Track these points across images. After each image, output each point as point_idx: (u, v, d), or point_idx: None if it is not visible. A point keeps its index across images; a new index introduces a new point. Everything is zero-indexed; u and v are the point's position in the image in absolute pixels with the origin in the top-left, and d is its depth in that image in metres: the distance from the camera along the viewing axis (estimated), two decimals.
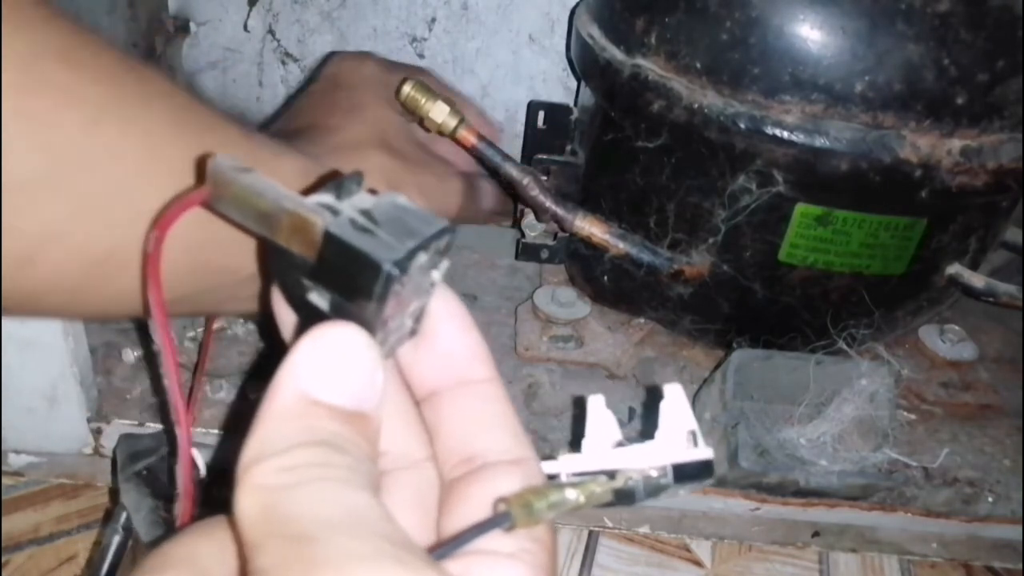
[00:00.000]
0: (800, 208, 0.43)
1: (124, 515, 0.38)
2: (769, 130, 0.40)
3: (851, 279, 0.45)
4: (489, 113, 0.65)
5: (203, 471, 0.36)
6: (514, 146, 0.63)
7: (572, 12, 0.52)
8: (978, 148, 0.41)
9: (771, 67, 0.40)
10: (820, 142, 0.40)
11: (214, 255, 0.31)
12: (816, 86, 0.40)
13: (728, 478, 0.43)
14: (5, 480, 0.46)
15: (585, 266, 0.52)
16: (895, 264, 0.45)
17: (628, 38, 0.45)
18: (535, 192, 0.48)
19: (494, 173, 0.49)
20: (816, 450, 0.42)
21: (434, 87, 0.46)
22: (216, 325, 0.49)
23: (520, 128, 0.63)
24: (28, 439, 0.45)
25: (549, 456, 0.23)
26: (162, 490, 0.39)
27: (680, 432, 0.23)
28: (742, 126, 0.41)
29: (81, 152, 0.27)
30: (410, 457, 0.24)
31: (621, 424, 0.24)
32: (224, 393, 0.46)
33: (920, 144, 0.40)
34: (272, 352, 0.47)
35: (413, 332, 0.23)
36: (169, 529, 0.37)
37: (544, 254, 0.54)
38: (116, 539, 0.38)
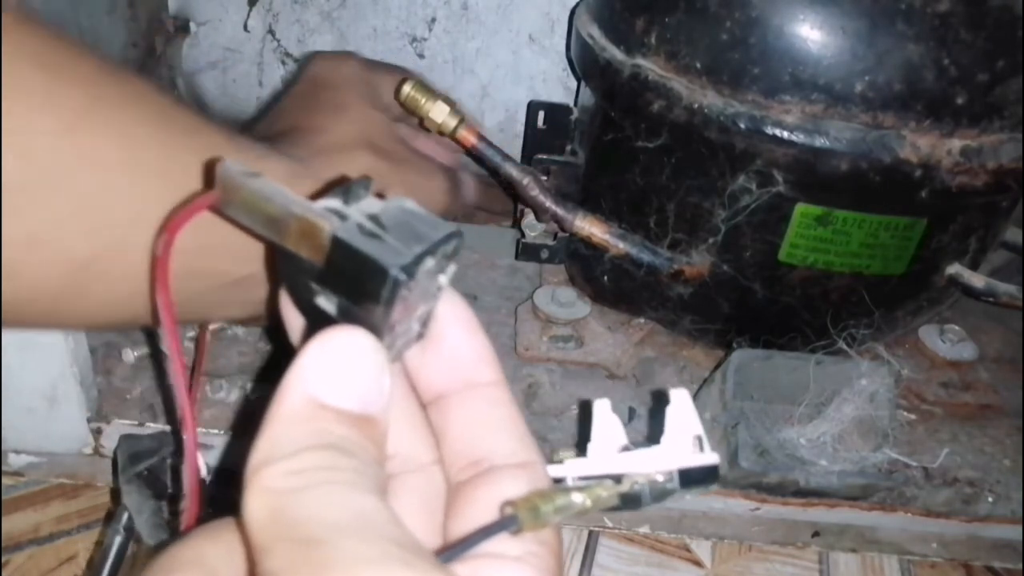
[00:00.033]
0: (800, 208, 0.43)
1: (125, 516, 0.38)
2: (769, 130, 0.40)
3: (851, 279, 0.45)
4: (489, 113, 0.66)
5: (204, 471, 0.36)
6: (514, 146, 0.63)
7: (572, 12, 0.52)
8: (978, 148, 0.41)
9: (771, 67, 0.40)
10: (820, 142, 0.40)
11: (199, 260, 0.31)
12: (816, 86, 0.40)
13: (728, 478, 0.43)
14: (5, 480, 0.46)
15: (585, 266, 0.52)
16: (895, 264, 0.45)
17: (628, 38, 0.45)
18: (535, 192, 0.48)
19: (494, 173, 0.49)
20: (816, 450, 0.42)
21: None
22: (214, 326, 0.49)
23: (520, 128, 0.63)
24: (28, 439, 0.45)
25: (550, 456, 0.23)
26: (163, 491, 0.39)
27: (686, 437, 0.23)
28: (742, 126, 0.41)
29: (58, 158, 0.27)
30: (417, 460, 0.24)
31: (622, 424, 0.24)
32: (224, 393, 0.46)
33: (920, 144, 0.40)
34: (280, 355, 0.47)
35: (420, 336, 0.24)
36: (172, 531, 0.37)
37: (544, 254, 0.54)
38: (118, 540, 0.38)
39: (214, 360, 0.47)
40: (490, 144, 0.47)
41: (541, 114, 0.55)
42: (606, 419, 0.23)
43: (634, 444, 0.23)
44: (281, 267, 0.23)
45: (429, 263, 0.21)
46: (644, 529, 0.46)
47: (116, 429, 0.44)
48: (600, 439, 0.23)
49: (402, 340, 0.23)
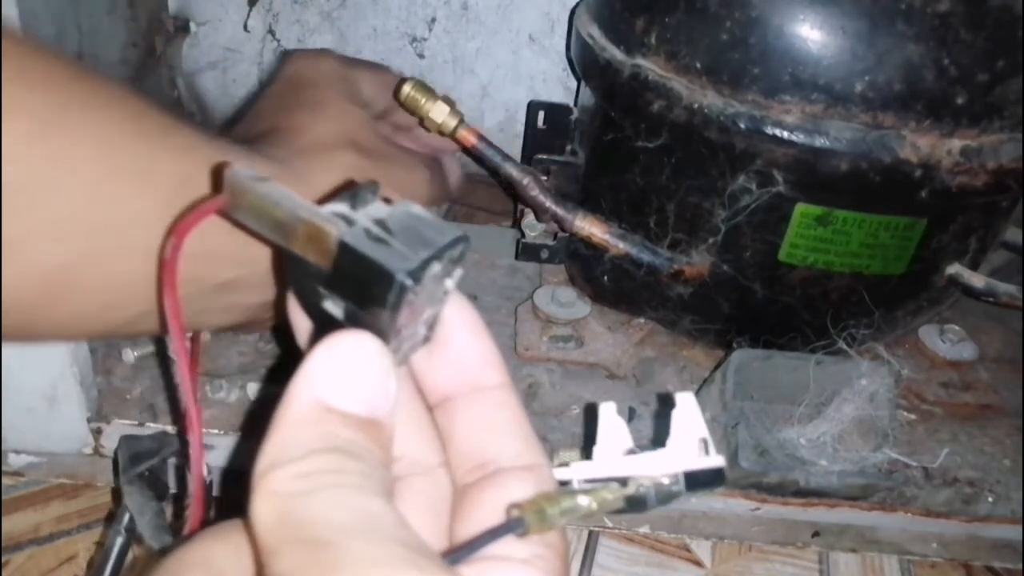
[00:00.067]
0: (800, 208, 0.43)
1: (127, 517, 0.38)
2: (769, 130, 0.40)
3: (851, 279, 0.45)
4: (489, 113, 0.66)
5: (205, 472, 0.36)
6: (514, 146, 0.63)
7: (572, 12, 0.52)
8: (978, 148, 0.41)
9: (771, 67, 0.40)
10: (820, 142, 0.40)
11: (182, 265, 0.31)
12: (816, 86, 0.40)
13: (728, 478, 0.43)
14: (5, 480, 0.46)
15: (585, 266, 0.52)
16: (895, 264, 0.45)
17: (628, 38, 0.45)
18: (535, 192, 0.48)
19: (494, 173, 0.49)
20: (816, 450, 0.42)
21: (390, 85, 0.46)
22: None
23: (520, 128, 0.63)
24: (28, 439, 0.45)
25: (550, 456, 0.23)
26: (164, 491, 0.39)
27: (692, 440, 0.23)
28: (742, 126, 0.41)
29: (29, 164, 0.26)
30: (423, 463, 0.24)
31: (627, 427, 0.24)
32: (224, 393, 0.46)
33: (920, 144, 0.40)
34: (287, 357, 0.47)
35: (426, 339, 0.24)
36: (174, 532, 0.37)
37: (544, 254, 0.54)
38: (119, 541, 0.38)
39: (214, 360, 0.47)
40: (490, 144, 0.47)
41: (541, 114, 0.55)
42: (611, 422, 0.24)
43: (636, 444, 0.23)
44: (289, 271, 0.23)
45: (435, 268, 0.21)
46: (644, 529, 0.46)
47: (116, 429, 0.44)
48: (605, 442, 0.23)
49: (408, 344, 0.23)
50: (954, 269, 0.47)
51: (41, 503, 0.45)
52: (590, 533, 0.46)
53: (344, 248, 0.21)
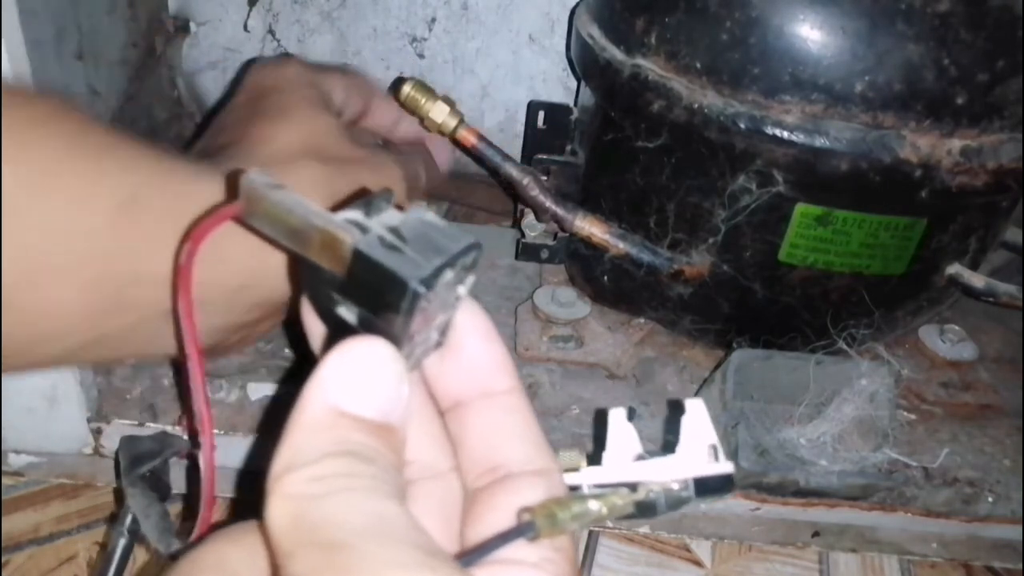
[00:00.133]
0: (800, 208, 0.43)
1: (129, 518, 0.38)
2: (769, 130, 0.40)
3: (851, 279, 0.45)
4: (489, 113, 0.66)
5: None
6: (514, 146, 0.63)
7: (572, 12, 0.52)
8: (978, 148, 0.41)
9: (771, 67, 0.40)
10: (820, 142, 0.40)
11: (123, 290, 0.30)
12: (816, 86, 0.40)
13: None
14: (5, 480, 0.46)
15: (585, 266, 0.52)
16: (895, 264, 0.45)
17: (628, 38, 0.45)
18: (535, 192, 0.48)
19: (494, 173, 0.49)
20: (816, 450, 0.42)
21: (365, 86, 0.45)
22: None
23: (520, 128, 0.63)
24: (28, 439, 0.45)
25: None
26: (167, 492, 0.39)
27: (701, 446, 0.23)
28: (742, 126, 0.41)
29: None
30: (434, 467, 0.25)
31: (636, 432, 0.24)
32: (224, 393, 0.46)
33: (920, 144, 0.40)
34: (301, 362, 0.48)
35: (438, 344, 0.24)
36: (181, 533, 0.36)
37: (544, 254, 0.54)
38: (122, 542, 0.38)
39: (214, 360, 0.47)
40: (490, 144, 0.47)
41: (541, 114, 0.55)
42: (621, 427, 0.24)
43: (649, 453, 0.23)
44: (303, 277, 0.23)
45: (448, 275, 0.22)
46: (644, 529, 0.46)
47: (116, 429, 0.44)
48: (615, 447, 0.24)
49: (421, 349, 0.23)
50: (954, 269, 0.47)
51: (41, 503, 0.45)
52: (590, 533, 0.46)
53: (358, 255, 0.21)
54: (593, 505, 0.22)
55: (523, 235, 0.53)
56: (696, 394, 0.48)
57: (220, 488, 0.44)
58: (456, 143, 0.47)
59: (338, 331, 0.23)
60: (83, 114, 0.30)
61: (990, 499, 0.46)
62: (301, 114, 0.39)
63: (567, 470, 0.24)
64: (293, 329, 0.45)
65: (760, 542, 0.46)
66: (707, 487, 0.23)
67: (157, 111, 0.61)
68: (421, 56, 0.64)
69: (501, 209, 0.64)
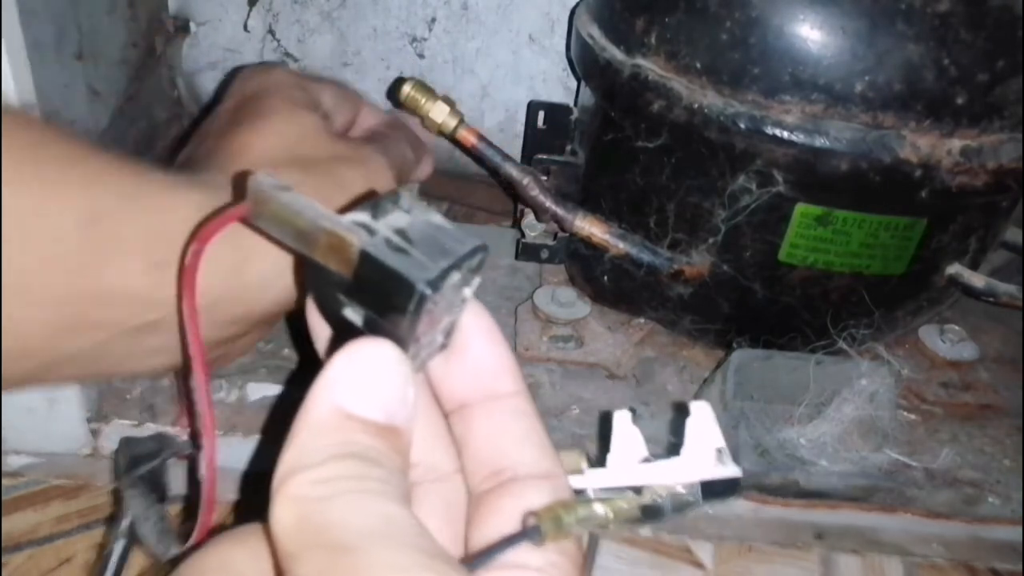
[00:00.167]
0: (800, 208, 0.43)
1: (127, 520, 0.37)
2: (769, 130, 0.40)
3: (851, 279, 0.45)
4: (489, 113, 0.66)
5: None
6: (514, 146, 0.63)
7: (572, 12, 0.52)
8: (978, 148, 0.41)
9: (771, 67, 0.40)
10: (820, 142, 0.40)
11: (88, 308, 0.29)
12: (816, 86, 0.40)
13: None
14: (4, 480, 0.45)
15: (585, 266, 0.52)
16: (895, 264, 0.45)
17: (628, 38, 0.45)
18: (535, 192, 0.48)
19: (494, 173, 0.49)
20: (816, 450, 0.42)
21: (353, 96, 0.45)
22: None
23: (520, 128, 0.63)
24: (27, 439, 0.45)
25: None
26: (165, 494, 0.39)
27: (707, 449, 0.23)
28: (742, 126, 0.41)
29: None
30: (438, 470, 0.25)
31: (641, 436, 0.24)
32: (223, 393, 0.46)
33: (920, 144, 0.40)
34: (305, 364, 0.47)
35: (443, 346, 0.24)
36: (180, 535, 0.36)
37: (544, 254, 0.54)
38: (120, 544, 0.38)
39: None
40: (490, 144, 0.47)
41: (541, 114, 0.55)
42: (626, 431, 0.24)
43: (655, 457, 0.23)
44: (309, 278, 0.23)
45: (455, 277, 0.22)
46: (645, 531, 0.46)
47: (115, 429, 0.44)
48: (620, 451, 0.24)
49: (426, 351, 0.23)
50: (954, 269, 0.47)
51: (40, 503, 0.45)
52: (591, 535, 0.46)
53: (365, 257, 0.21)
54: (599, 509, 0.22)
55: (523, 235, 0.53)
56: (696, 394, 0.47)
57: (219, 490, 0.44)
58: (456, 143, 0.47)
59: (344, 333, 0.23)
60: (47, 125, 0.29)
61: (991, 500, 0.46)
62: (281, 118, 0.38)
63: (567, 471, 0.24)
64: (297, 330, 0.45)
65: (761, 543, 0.46)
66: (713, 490, 0.23)
67: (157, 111, 0.61)
68: (421, 56, 0.64)
69: (501, 209, 0.64)
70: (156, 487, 0.38)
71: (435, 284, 0.21)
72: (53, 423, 0.44)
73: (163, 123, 0.62)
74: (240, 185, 0.31)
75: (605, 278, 0.50)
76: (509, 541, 0.21)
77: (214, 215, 0.24)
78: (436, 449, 0.25)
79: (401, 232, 0.22)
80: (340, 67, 0.65)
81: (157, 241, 0.30)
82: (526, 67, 0.64)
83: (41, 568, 0.42)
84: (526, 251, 0.53)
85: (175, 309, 0.30)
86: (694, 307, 0.49)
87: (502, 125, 0.66)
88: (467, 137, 0.46)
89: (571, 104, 0.56)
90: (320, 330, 0.25)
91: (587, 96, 0.51)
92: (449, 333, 0.24)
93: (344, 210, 0.22)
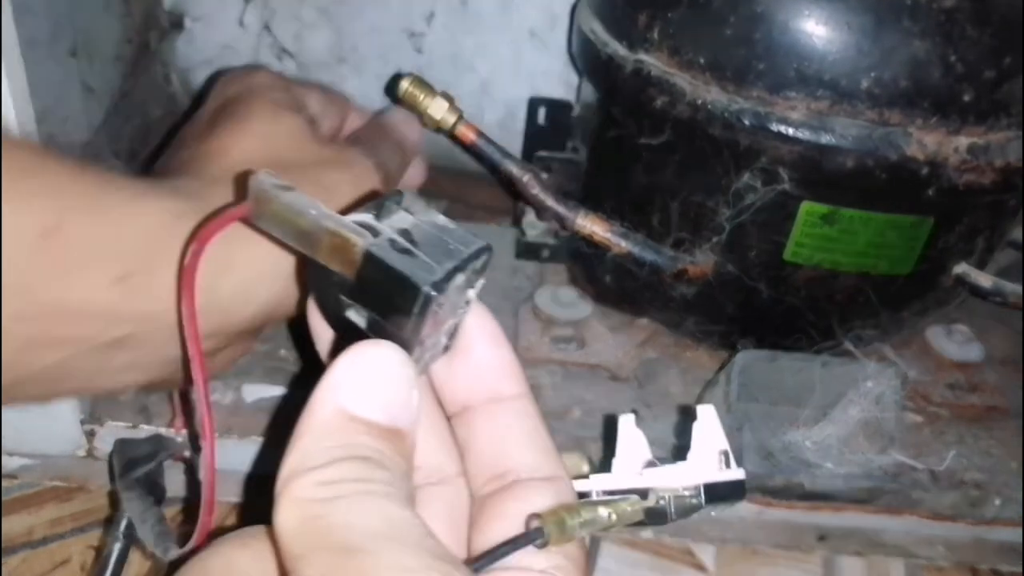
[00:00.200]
0: (805, 206, 0.42)
1: (124, 522, 0.37)
2: (774, 127, 0.40)
3: (857, 279, 0.45)
4: (489, 110, 0.65)
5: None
6: (515, 143, 0.63)
7: (573, 7, 0.52)
8: (985, 146, 0.40)
9: (776, 63, 0.40)
10: (826, 139, 0.40)
11: (50, 324, 0.28)
12: (821, 82, 0.39)
13: None
14: None
15: (587, 265, 0.51)
16: (902, 264, 0.44)
17: (631, 33, 0.44)
18: (535, 190, 0.47)
19: (494, 170, 0.48)
20: (821, 453, 0.41)
21: (341, 100, 0.44)
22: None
23: (521, 125, 0.62)
24: (21, 441, 0.45)
25: None
26: (162, 495, 0.39)
27: (712, 453, 0.23)
28: (746, 123, 0.40)
29: None
30: (441, 472, 0.24)
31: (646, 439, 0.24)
32: (219, 394, 0.45)
33: (927, 141, 0.40)
34: (309, 366, 0.47)
35: (447, 348, 0.24)
36: (179, 537, 0.36)
37: (545, 253, 0.54)
38: (117, 546, 0.37)
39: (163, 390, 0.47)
40: (490, 141, 0.47)
41: (542, 111, 0.55)
42: (631, 434, 0.24)
43: (660, 460, 0.23)
44: (311, 279, 0.23)
45: (459, 279, 0.22)
46: (647, 534, 0.46)
47: (110, 431, 0.44)
48: (625, 454, 0.24)
49: (430, 353, 0.23)
50: (961, 269, 0.46)
51: (35, 506, 0.45)
52: (592, 538, 0.45)
53: (369, 259, 0.21)
54: (603, 512, 0.22)
55: (524, 234, 0.53)
56: (699, 396, 0.47)
57: (217, 492, 0.44)
58: (455, 140, 0.46)
59: (347, 335, 0.22)
60: (8, 137, 0.28)
61: (997, 502, 0.46)
62: (263, 121, 0.37)
63: (569, 474, 0.24)
64: (298, 332, 0.44)
65: (765, 546, 0.46)
66: (717, 493, 0.23)
67: (152, 108, 0.60)
68: (419, 51, 0.64)
69: (501, 207, 0.64)
70: (153, 489, 0.38)
71: (440, 286, 0.21)
72: (48, 425, 0.43)
73: (158, 120, 0.61)
74: (241, 185, 0.30)
75: (607, 278, 0.50)
76: (513, 544, 0.21)
77: (214, 215, 0.24)
78: (439, 452, 0.25)
79: (405, 233, 0.22)
80: (337, 63, 0.64)
81: (123, 252, 0.29)
82: (527, 63, 0.63)
83: (36, 571, 0.42)
84: (527, 250, 0.53)
85: (146, 324, 0.30)
86: (697, 307, 0.48)
87: (502, 122, 0.65)
88: (466, 134, 0.46)
89: (572, 100, 0.56)
90: (321, 332, 0.24)
91: (589, 92, 0.51)
92: (453, 335, 0.24)
93: (346, 211, 0.22)
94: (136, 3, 0.57)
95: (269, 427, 0.44)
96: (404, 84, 0.44)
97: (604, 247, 0.47)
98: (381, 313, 0.22)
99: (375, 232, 0.22)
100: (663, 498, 0.23)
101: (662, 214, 0.46)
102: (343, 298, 0.22)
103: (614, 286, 0.50)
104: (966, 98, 0.39)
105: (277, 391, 0.46)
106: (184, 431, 0.42)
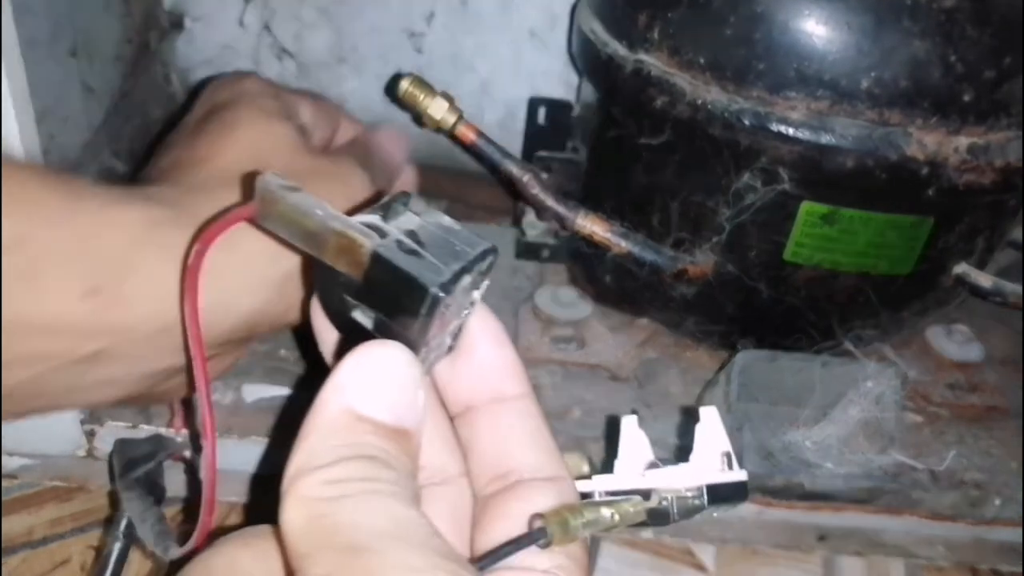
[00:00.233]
0: (806, 206, 0.42)
1: (124, 522, 0.37)
2: (774, 127, 0.40)
3: (857, 279, 0.45)
4: (489, 110, 0.65)
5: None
6: (515, 143, 0.63)
7: (573, 7, 0.51)
8: (985, 146, 0.40)
9: (776, 63, 0.40)
10: (826, 139, 0.40)
11: (19, 340, 0.27)
12: (821, 82, 0.39)
13: None
14: None
15: (587, 266, 0.51)
16: (902, 264, 0.44)
17: (631, 33, 0.44)
18: (535, 190, 0.47)
19: (494, 170, 0.48)
20: (822, 453, 0.41)
21: (332, 109, 0.44)
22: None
23: (521, 125, 0.62)
24: (22, 441, 0.44)
25: None
26: (161, 495, 0.39)
27: (714, 454, 0.23)
28: (746, 122, 0.40)
29: None
30: (444, 472, 0.24)
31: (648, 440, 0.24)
32: (219, 395, 0.45)
33: (927, 141, 0.40)
34: (313, 367, 0.47)
35: (450, 349, 0.24)
36: (179, 536, 0.36)
37: (545, 253, 0.53)
38: (117, 546, 0.37)
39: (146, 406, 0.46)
40: (490, 141, 0.46)
41: (542, 111, 0.55)
42: (633, 435, 0.24)
43: (663, 461, 0.24)
44: (317, 280, 0.23)
45: (466, 280, 0.22)
46: (647, 534, 0.46)
47: (109, 431, 0.44)
48: (627, 455, 0.24)
49: (435, 354, 0.23)
50: (961, 269, 0.46)
51: (35, 506, 0.45)
52: (592, 538, 0.45)
53: (377, 260, 0.21)
54: (605, 512, 0.22)
55: (523, 234, 0.53)
56: (699, 396, 0.47)
57: (217, 491, 0.44)
58: (455, 140, 0.46)
59: (352, 335, 0.23)
60: None
61: (997, 502, 0.45)
62: (249, 129, 0.36)
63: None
64: (301, 332, 0.44)
65: (765, 546, 0.46)
66: (720, 495, 0.23)
67: (152, 108, 0.60)
68: (419, 51, 0.64)
69: (501, 207, 0.64)
70: (153, 488, 0.38)
71: (448, 287, 0.21)
72: (48, 425, 0.43)
73: (158, 120, 0.61)
74: (247, 186, 0.30)
75: (607, 278, 0.50)
76: (516, 544, 0.21)
77: (219, 216, 0.24)
78: (442, 452, 0.25)
79: (412, 234, 0.22)
80: (337, 63, 0.64)
81: (93, 264, 0.28)
82: (527, 63, 0.63)
83: (36, 571, 0.42)
84: (527, 250, 0.53)
85: (119, 338, 0.29)
86: (698, 307, 0.48)
87: (502, 122, 0.65)
88: (466, 134, 0.46)
89: (572, 100, 0.55)
90: (325, 332, 0.24)
91: (589, 92, 0.51)
92: (456, 335, 0.24)
93: (351, 213, 0.22)
94: (136, 3, 0.57)
95: (272, 428, 0.44)
96: (404, 84, 0.44)
97: (604, 247, 0.47)
98: (388, 314, 0.22)
99: (382, 233, 0.22)
100: (666, 499, 0.23)
101: (662, 214, 0.46)
102: (349, 299, 0.22)
103: (614, 286, 0.50)
104: (966, 98, 0.39)
105: (277, 391, 0.46)
106: (184, 431, 0.42)
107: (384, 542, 0.18)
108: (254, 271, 0.31)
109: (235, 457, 0.43)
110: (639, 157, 0.45)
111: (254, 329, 0.34)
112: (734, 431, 0.42)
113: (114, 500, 0.43)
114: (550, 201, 0.47)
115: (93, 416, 0.44)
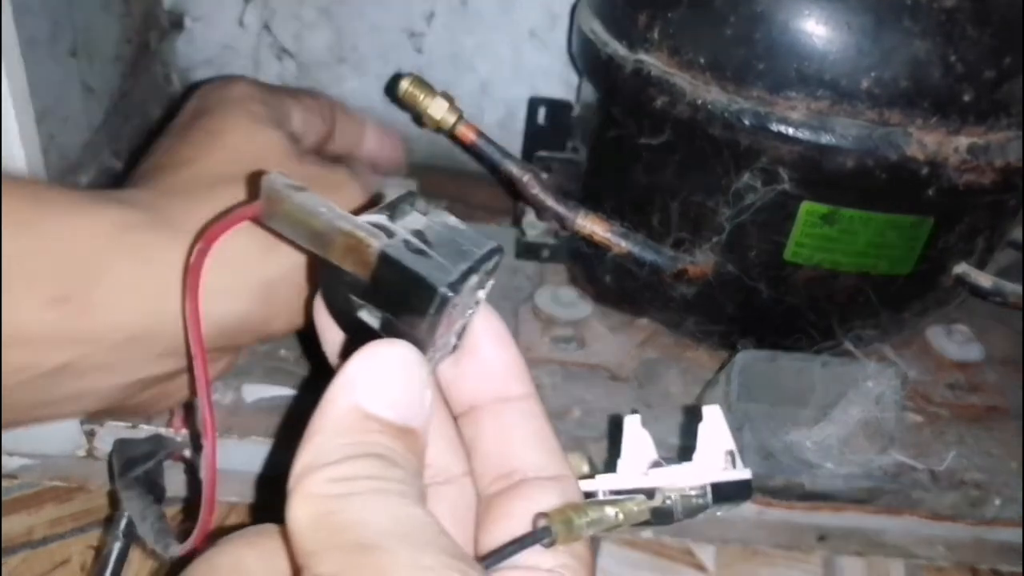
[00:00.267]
0: (806, 206, 0.42)
1: (124, 521, 0.37)
2: (774, 127, 0.40)
3: (857, 279, 0.45)
4: (489, 109, 0.65)
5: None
6: (515, 143, 0.62)
7: (573, 7, 0.51)
8: (985, 146, 0.40)
9: (776, 63, 0.40)
10: (826, 139, 0.39)
11: None
12: (822, 82, 0.39)
13: None
14: None
15: (587, 265, 0.51)
16: (902, 264, 0.44)
17: (631, 33, 0.44)
18: (535, 190, 0.47)
19: (493, 170, 0.48)
20: (822, 453, 0.41)
21: (328, 107, 0.44)
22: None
23: (520, 125, 0.62)
24: (21, 441, 0.44)
25: None
26: (161, 495, 0.39)
27: (718, 453, 0.23)
28: (746, 122, 0.40)
29: None
30: (448, 472, 0.25)
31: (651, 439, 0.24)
32: (219, 395, 0.45)
33: (927, 141, 0.40)
34: (314, 367, 0.47)
35: (454, 348, 0.24)
36: (179, 535, 0.36)
37: (545, 253, 0.53)
38: (117, 545, 0.37)
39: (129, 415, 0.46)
40: (489, 141, 0.46)
41: (542, 110, 0.55)
42: (637, 434, 0.24)
43: (667, 460, 0.24)
44: (321, 279, 0.23)
45: (473, 279, 0.22)
46: (647, 534, 0.46)
47: (109, 431, 0.43)
48: (631, 454, 0.24)
49: (440, 353, 0.23)
50: (961, 269, 0.46)
51: (35, 506, 0.45)
52: (592, 538, 0.45)
53: (385, 259, 0.21)
54: (609, 511, 0.22)
55: (523, 234, 0.53)
56: (700, 396, 0.47)
57: (217, 491, 0.44)
58: (455, 140, 0.46)
59: (357, 335, 0.23)
60: None
61: (997, 502, 0.45)
62: (235, 134, 0.35)
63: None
64: (304, 332, 0.44)
65: (765, 546, 0.46)
66: (724, 493, 0.23)
67: (152, 108, 0.60)
68: (419, 51, 0.64)
69: (501, 207, 0.64)
70: (153, 488, 0.38)
71: (456, 287, 0.21)
72: (47, 425, 0.43)
73: (158, 120, 0.61)
74: (252, 185, 0.30)
75: (607, 278, 0.50)
76: (520, 543, 0.21)
77: (223, 215, 0.24)
78: (446, 451, 0.25)
79: (419, 234, 0.22)
80: (337, 63, 0.64)
81: (60, 271, 0.27)
82: (527, 63, 0.63)
83: (35, 571, 0.42)
84: (527, 250, 0.53)
85: (89, 348, 0.28)
86: (698, 307, 0.48)
87: (502, 122, 0.65)
88: (466, 134, 0.46)
89: (572, 101, 0.55)
90: (328, 331, 0.24)
91: (589, 92, 0.51)
92: (461, 335, 0.24)
93: (358, 212, 0.22)
94: (136, 3, 0.57)
95: (272, 428, 0.44)
96: (404, 84, 0.44)
97: (604, 247, 0.47)
98: (395, 313, 0.22)
99: (389, 233, 0.22)
100: (669, 498, 0.23)
101: (662, 214, 0.46)
102: (354, 298, 0.22)
103: (614, 286, 0.50)
104: (966, 98, 0.39)
105: (277, 391, 0.46)
106: (184, 431, 0.42)
107: (392, 540, 0.18)
108: (235, 276, 0.30)
109: (235, 457, 0.43)
110: (639, 157, 0.45)
111: (234, 339, 0.33)
112: (734, 431, 0.42)
113: (114, 500, 0.42)
114: (550, 201, 0.47)
115: (93, 416, 0.44)
